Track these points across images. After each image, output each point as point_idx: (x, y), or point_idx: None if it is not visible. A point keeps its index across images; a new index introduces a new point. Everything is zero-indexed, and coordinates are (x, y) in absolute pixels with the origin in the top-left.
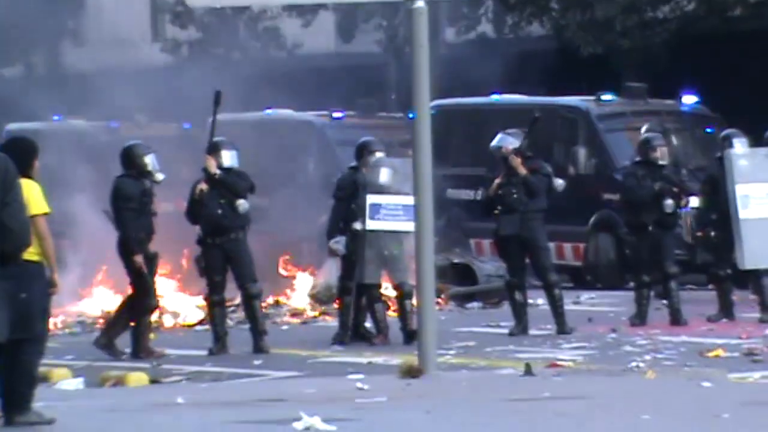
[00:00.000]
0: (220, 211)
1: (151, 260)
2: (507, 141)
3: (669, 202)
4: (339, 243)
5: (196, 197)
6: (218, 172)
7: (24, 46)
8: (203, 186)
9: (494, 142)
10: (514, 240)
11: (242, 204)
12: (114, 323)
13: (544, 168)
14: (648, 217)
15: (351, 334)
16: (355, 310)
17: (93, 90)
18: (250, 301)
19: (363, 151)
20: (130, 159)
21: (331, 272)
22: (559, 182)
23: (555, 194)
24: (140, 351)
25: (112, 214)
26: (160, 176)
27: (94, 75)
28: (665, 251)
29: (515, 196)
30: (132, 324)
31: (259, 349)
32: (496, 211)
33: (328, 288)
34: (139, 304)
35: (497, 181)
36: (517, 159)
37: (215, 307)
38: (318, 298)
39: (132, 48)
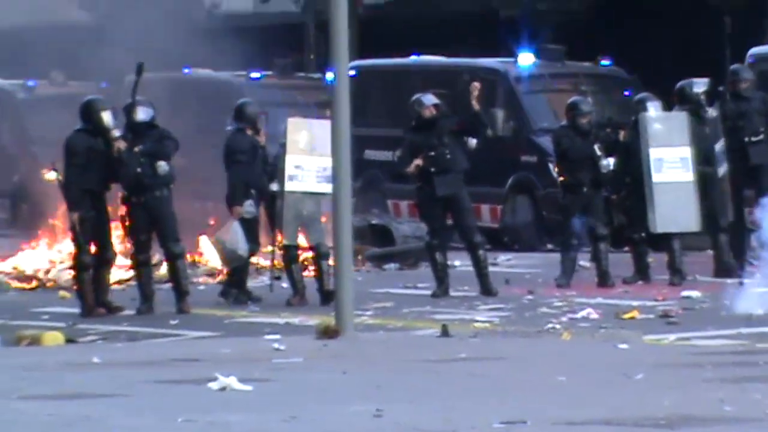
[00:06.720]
0: (139, 170)
1: (97, 216)
2: (431, 99)
3: (605, 162)
4: (252, 206)
5: (115, 155)
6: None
7: None
8: (121, 144)
9: (425, 101)
10: (438, 201)
11: (162, 165)
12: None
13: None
14: (584, 176)
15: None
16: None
17: (8, 47)
18: (173, 261)
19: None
20: (87, 114)
21: (236, 235)
22: (472, 141)
23: (472, 155)
24: (84, 310)
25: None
26: (115, 132)
27: (10, 32)
28: (596, 212)
29: (449, 156)
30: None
31: (180, 309)
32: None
33: (233, 252)
34: (75, 260)
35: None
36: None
37: (141, 266)
38: (225, 262)
39: (49, 5)
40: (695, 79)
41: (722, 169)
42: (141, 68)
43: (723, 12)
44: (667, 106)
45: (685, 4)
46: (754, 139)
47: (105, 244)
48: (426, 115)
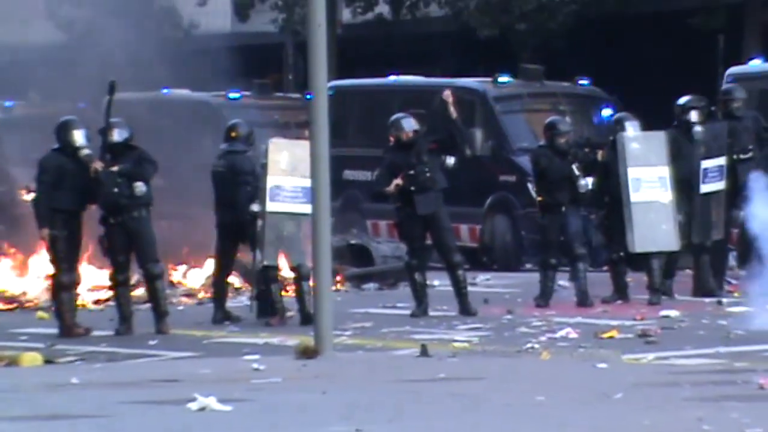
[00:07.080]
0: (116, 190)
1: (70, 236)
2: (411, 124)
3: (583, 181)
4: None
5: (92, 175)
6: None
7: None
8: (97, 164)
9: (404, 125)
10: (418, 220)
11: (139, 186)
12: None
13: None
14: (563, 196)
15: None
16: (223, 290)
17: None
18: (152, 282)
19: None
20: (61, 133)
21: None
22: (450, 160)
23: (450, 174)
24: (63, 330)
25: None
26: (85, 152)
27: None
28: (574, 232)
29: (428, 174)
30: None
31: (159, 330)
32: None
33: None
34: (53, 280)
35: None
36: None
37: (120, 287)
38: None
39: (24, 25)
40: (687, 97)
41: (707, 188)
42: (113, 87)
43: (706, 32)
44: (647, 126)
45: (666, 25)
46: (742, 156)
47: (72, 266)
48: (404, 139)
